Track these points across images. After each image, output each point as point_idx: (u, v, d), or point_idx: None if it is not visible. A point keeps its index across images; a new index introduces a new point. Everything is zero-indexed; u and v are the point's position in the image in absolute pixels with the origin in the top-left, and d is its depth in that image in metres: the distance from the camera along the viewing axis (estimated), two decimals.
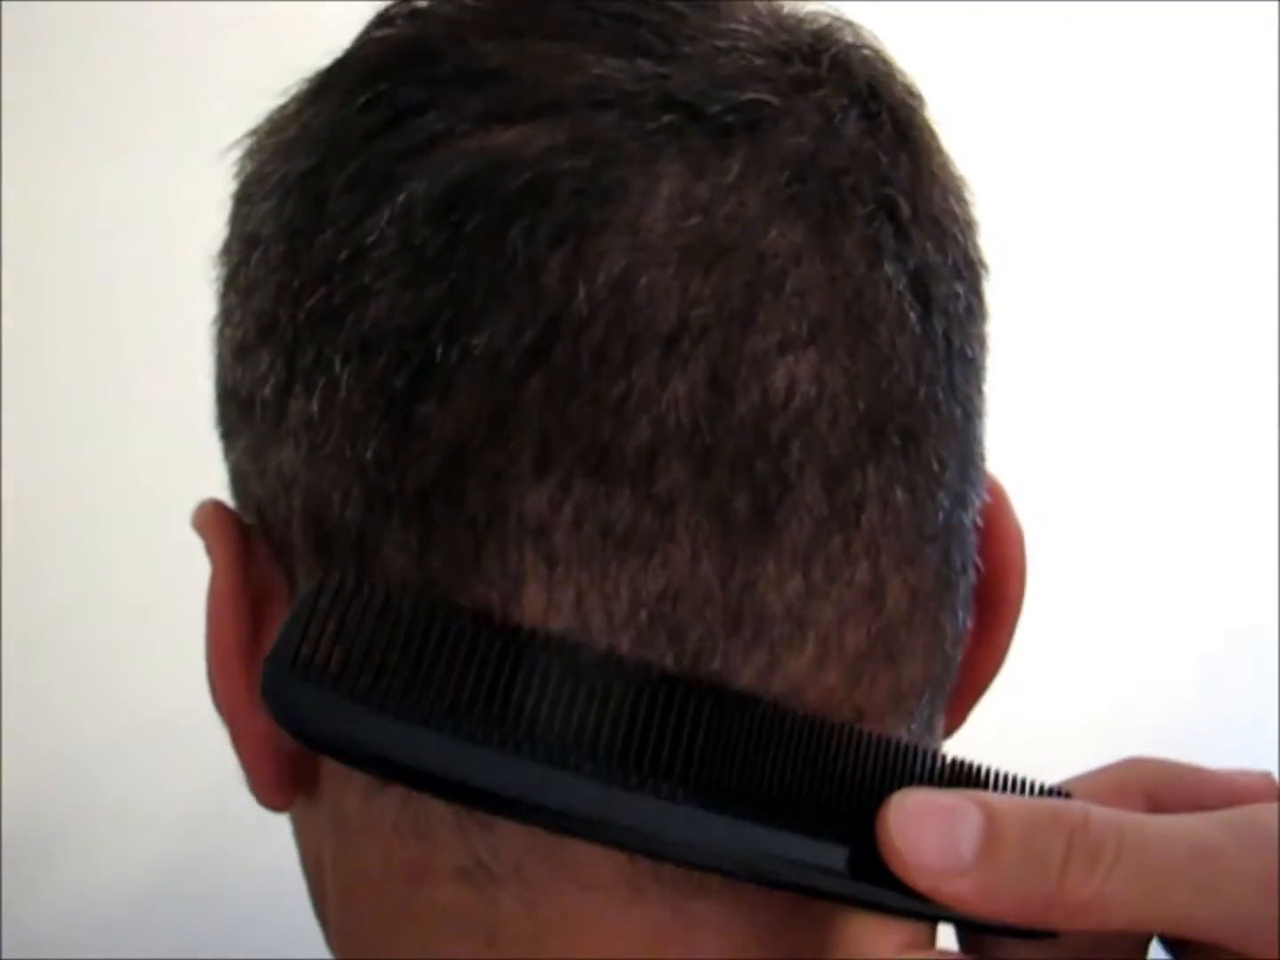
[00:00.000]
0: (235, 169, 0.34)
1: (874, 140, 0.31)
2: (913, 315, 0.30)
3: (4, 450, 0.74)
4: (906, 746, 0.29)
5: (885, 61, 0.33)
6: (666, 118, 0.29)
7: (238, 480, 0.34)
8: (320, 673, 0.27)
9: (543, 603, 0.28)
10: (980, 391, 0.33)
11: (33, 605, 0.75)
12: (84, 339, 0.76)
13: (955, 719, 0.35)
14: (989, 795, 0.27)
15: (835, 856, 0.27)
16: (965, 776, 0.29)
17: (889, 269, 0.30)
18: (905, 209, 0.30)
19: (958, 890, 0.26)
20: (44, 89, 0.73)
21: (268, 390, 0.31)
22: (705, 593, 0.28)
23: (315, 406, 0.29)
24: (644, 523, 0.28)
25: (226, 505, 0.34)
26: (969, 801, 0.26)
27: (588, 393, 0.28)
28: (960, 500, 0.31)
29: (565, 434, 0.28)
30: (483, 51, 0.30)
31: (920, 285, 0.30)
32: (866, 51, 0.32)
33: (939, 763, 0.29)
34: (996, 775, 0.29)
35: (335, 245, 0.29)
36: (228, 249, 0.34)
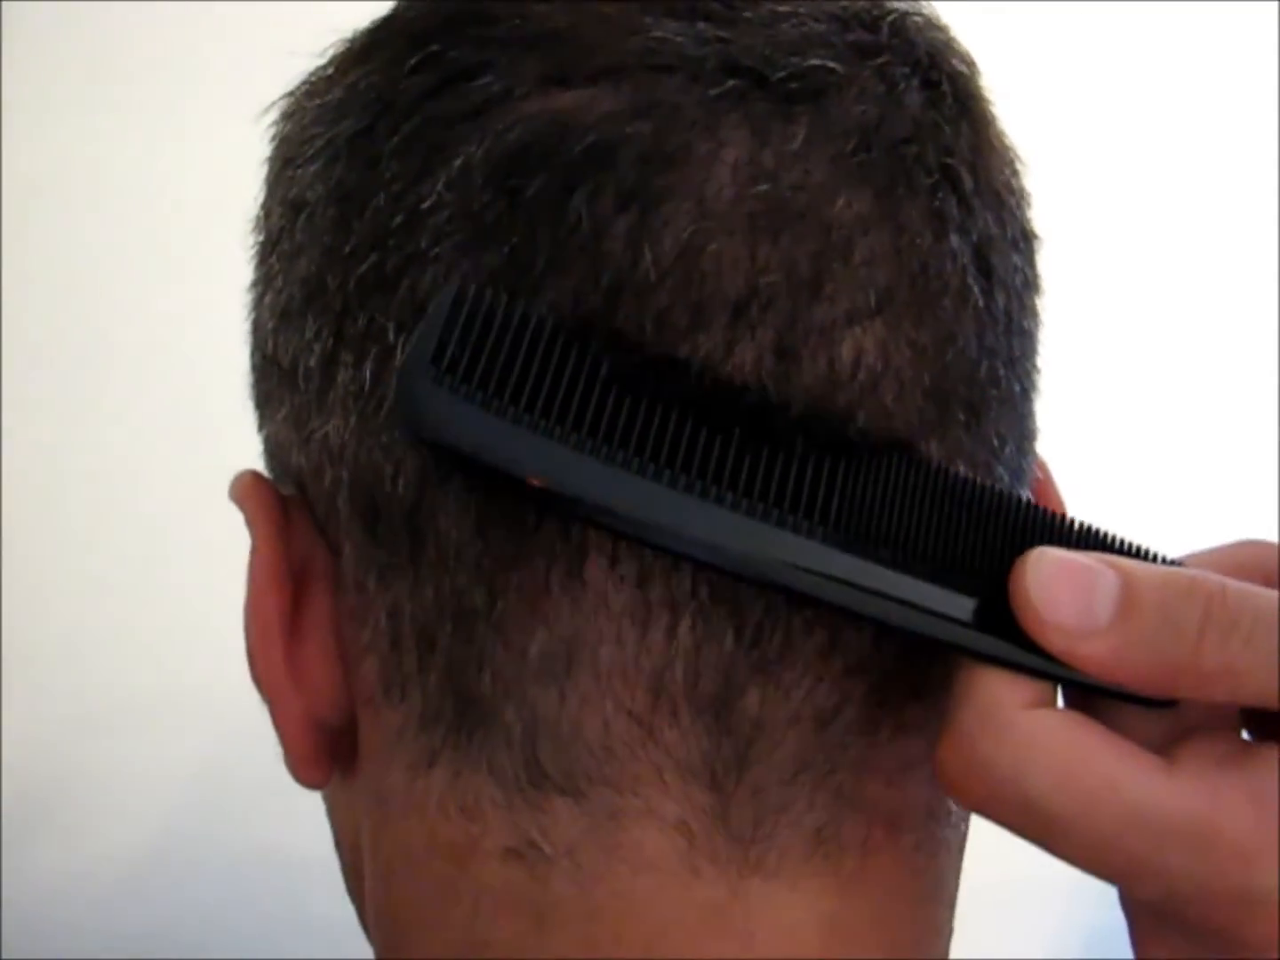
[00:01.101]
0: (271, 131, 0.34)
1: (936, 110, 0.30)
2: (976, 288, 0.29)
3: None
4: (1036, 506, 0.28)
5: (941, 28, 0.32)
6: (729, 83, 0.28)
7: (277, 450, 0.33)
8: (460, 380, 0.25)
9: (604, 575, 0.28)
10: (1036, 366, 0.32)
11: (28, 587, 0.73)
12: (78, 311, 0.75)
13: None
14: (1124, 560, 0.26)
15: (963, 608, 0.26)
16: (1094, 540, 0.28)
17: (953, 241, 0.29)
18: (968, 180, 0.30)
19: (1092, 651, 0.25)
20: (46, 46, 0.72)
21: (313, 359, 0.30)
22: None
23: (367, 375, 0.29)
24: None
25: (263, 476, 0.33)
26: (1105, 564, 0.26)
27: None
28: (1018, 477, 0.31)
29: None
30: (538, 13, 0.29)
31: (982, 258, 0.30)
32: (922, 18, 0.32)
33: (1069, 524, 0.28)
34: (1123, 542, 0.28)
35: (389, 210, 0.29)
36: (268, 213, 0.33)
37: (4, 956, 0.73)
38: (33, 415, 0.73)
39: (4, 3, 0.71)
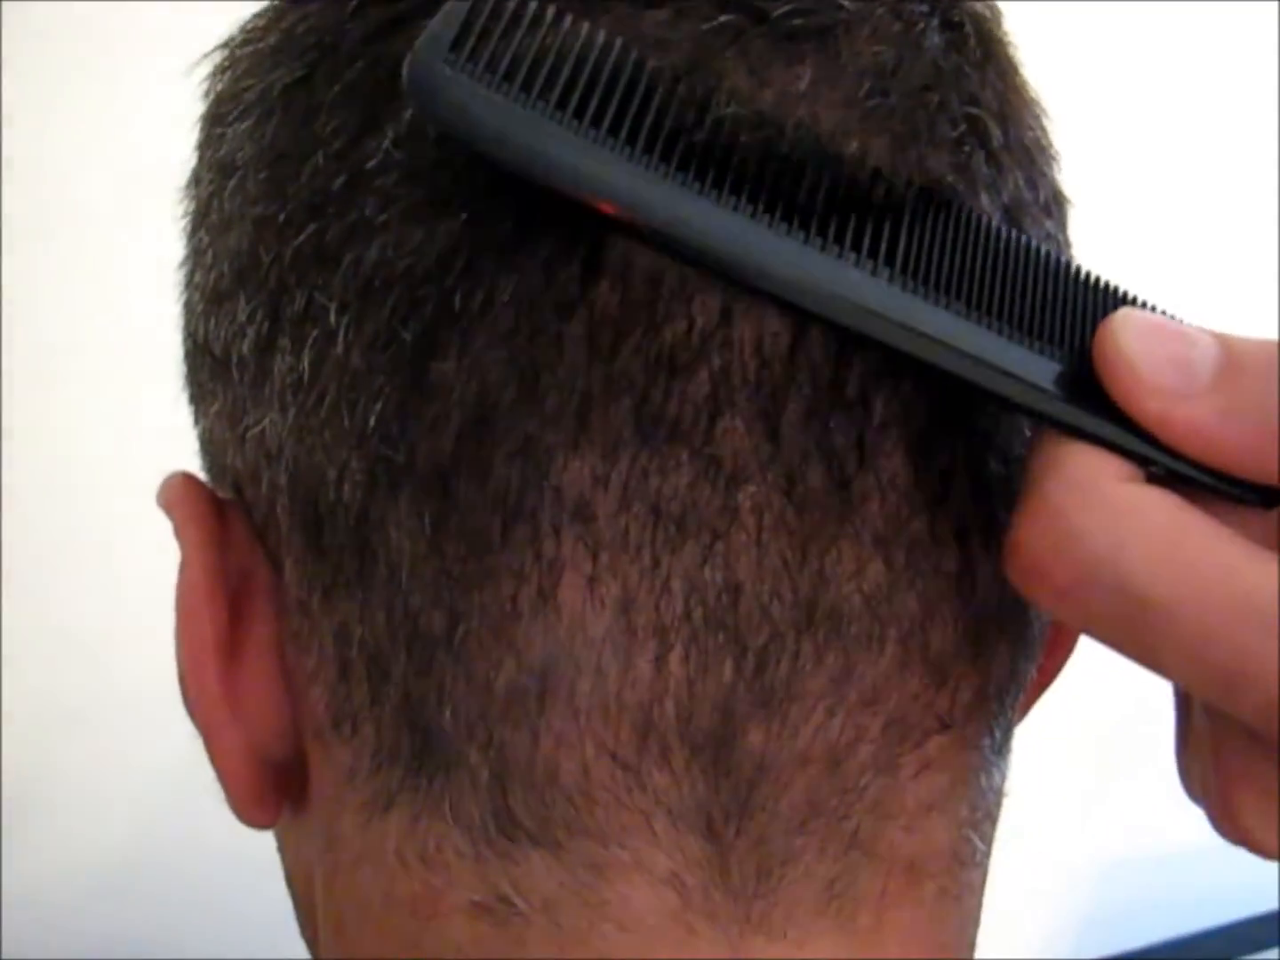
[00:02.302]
0: (204, 87, 0.30)
1: (959, 54, 0.26)
2: None
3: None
4: (1114, 285, 0.24)
5: None
6: (723, 18, 0.24)
7: (211, 449, 0.29)
8: (485, 67, 0.22)
9: (581, 598, 0.24)
10: None
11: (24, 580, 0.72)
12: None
13: (1019, 714, 0.32)
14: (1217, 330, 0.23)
15: (1048, 374, 0.23)
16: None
17: (980, 200, 0.25)
18: (996, 133, 0.26)
19: (1193, 414, 0.22)
20: None
21: (246, 345, 0.26)
22: (773, 586, 0.24)
23: (305, 364, 0.25)
24: (703, 500, 0.23)
25: (198, 479, 0.29)
26: (1200, 330, 0.22)
27: (637, 336, 0.23)
28: None
29: (611, 389, 0.23)
30: None
31: (1013, 222, 0.26)
32: None
33: (1147, 303, 0.24)
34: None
35: (328, 171, 0.25)
36: (196, 178, 0.29)
37: (4, 956, 0.72)
38: (32, 415, 0.72)
39: (4, 2, 0.68)
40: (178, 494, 0.28)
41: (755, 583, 0.24)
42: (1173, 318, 0.24)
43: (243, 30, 0.29)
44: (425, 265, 0.24)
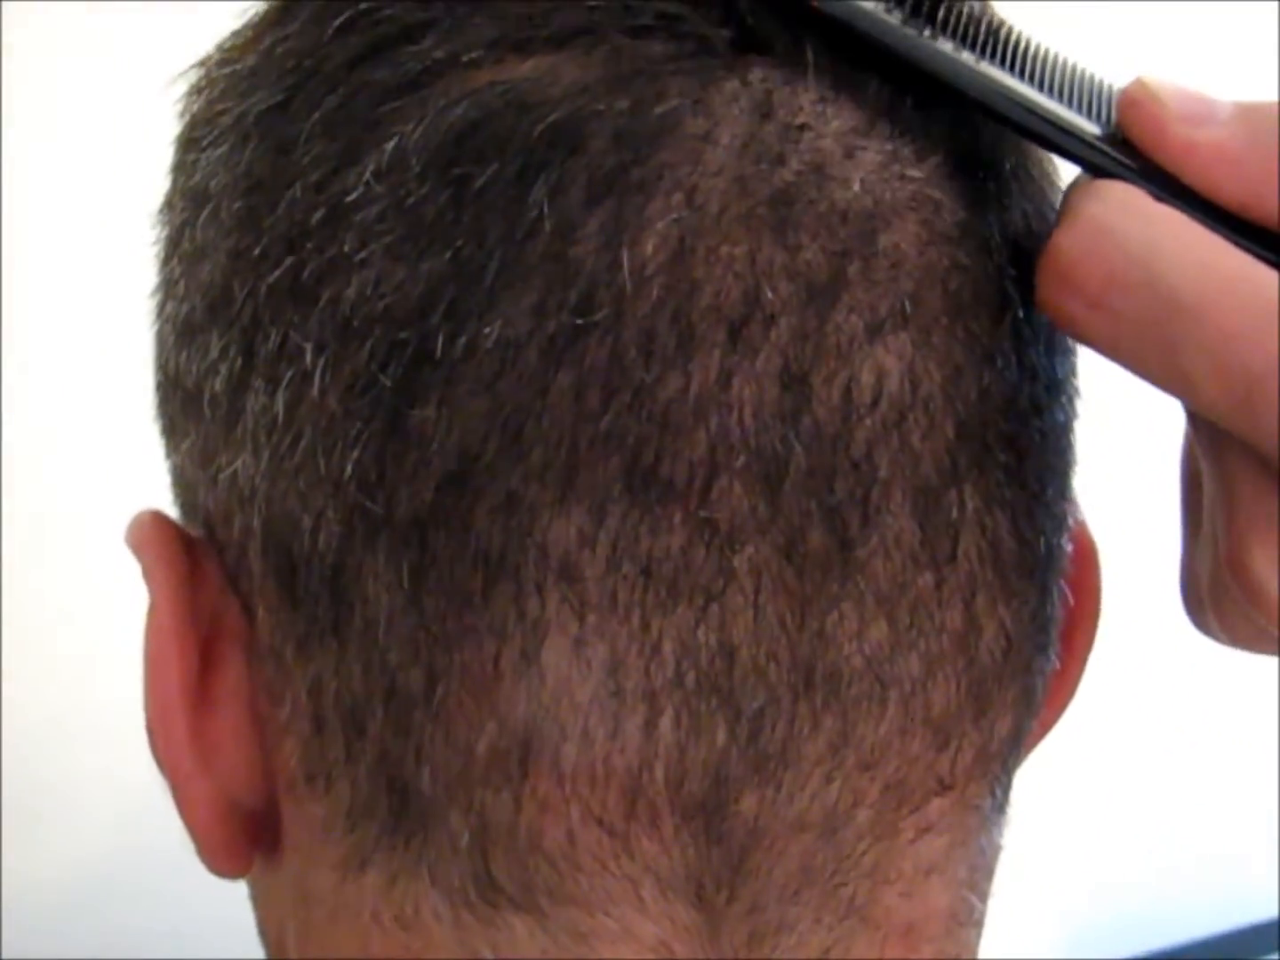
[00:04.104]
0: (179, 108, 0.28)
1: None
2: (1016, 294, 0.24)
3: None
4: None
5: None
6: (721, 44, 0.23)
7: (182, 486, 0.28)
8: None
9: (567, 661, 0.23)
10: (1076, 389, 0.27)
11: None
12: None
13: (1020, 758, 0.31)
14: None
15: (1094, 131, 0.24)
16: None
17: (989, 230, 0.24)
18: (1008, 159, 0.25)
19: (1215, 136, 0.23)
20: None
21: (219, 383, 0.25)
22: (769, 648, 0.23)
23: (280, 406, 0.24)
24: (697, 562, 0.22)
25: (167, 517, 0.28)
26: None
27: (629, 394, 0.22)
28: (1059, 524, 0.26)
29: (600, 446, 0.22)
30: None
31: (1023, 255, 0.25)
32: None
33: None
34: None
35: (306, 203, 0.24)
36: (169, 204, 0.28)
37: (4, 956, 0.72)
38: (30, 417, 0.71)
39: (4, 2, 0.67)
40: (147, 534, 0.27)
41: (751, 645, 0.23)
42: None
43: (220, 49, 0.28)
44: (406, 306, 0.23)
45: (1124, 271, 0.22)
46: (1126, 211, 0.23)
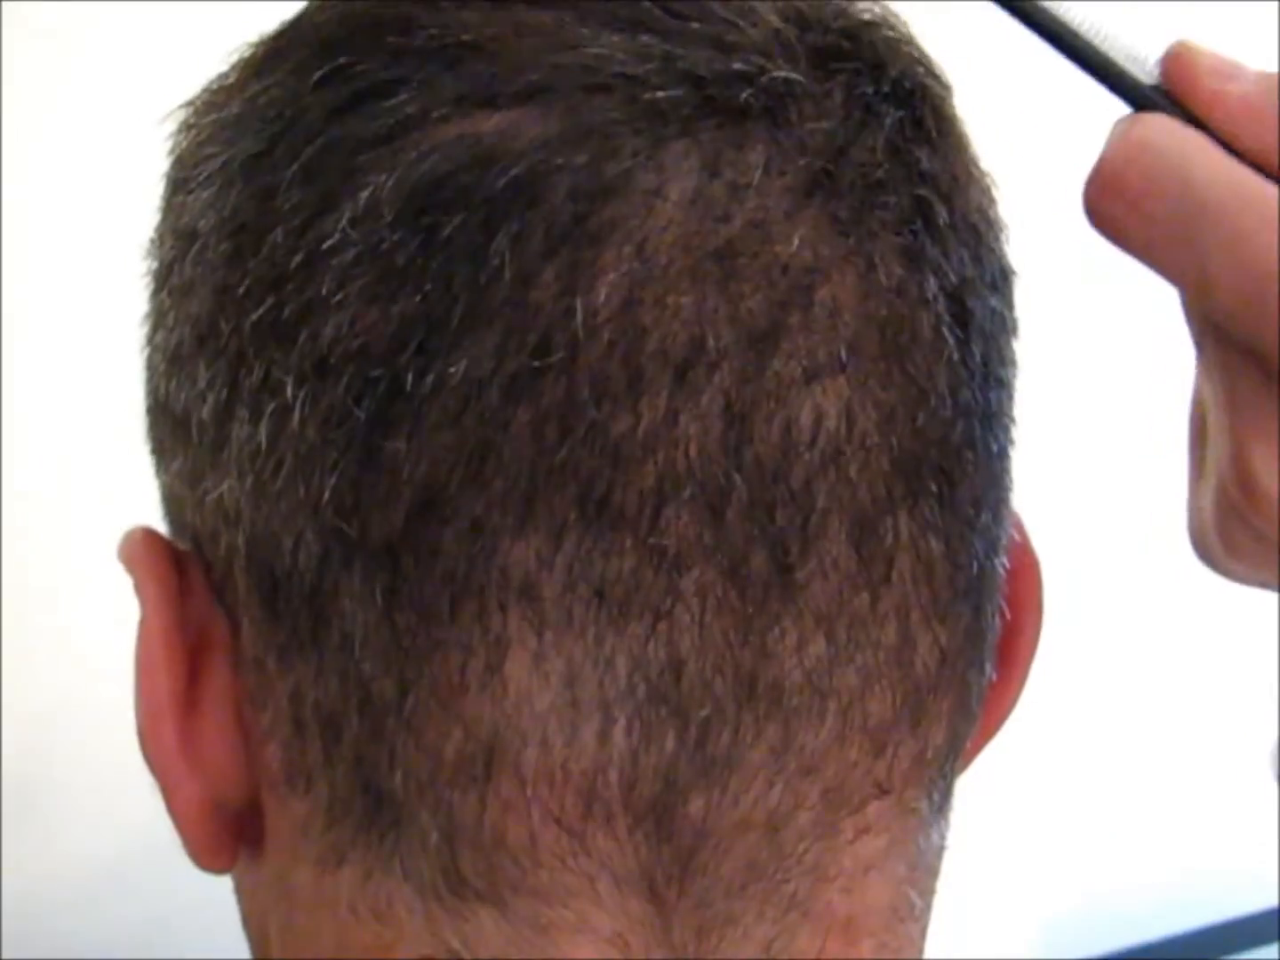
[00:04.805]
0: (169, 146, 0.30)
1: (909, 131, 0.27)
2: (951, 339, 0.26)
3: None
4: None
5: (912, 41, 0.29)
6: (673, 105, 0.25)
7: (171, 504, 0.30)
8: None
9: (527, 673, 0.24)
10: (1012, 418, 0.29)
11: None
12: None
13: (962, 765, 0.32)
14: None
15: (1142, 78, 0.28)
16: None
17: (926, 283, 0.26)
18: (942, 212, 0.27)
19: (1242, 89, 0.27)
20: None
21: (206, 410, 0.27)
22: (715, 662, 0.24)
23: (263, 434, 0.25)
24: (647, 583, 0.24)
25: (158, 533, 0.30)
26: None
27: (583, 429, 0.24)
28: (993, 546, 0.28)
29: (557, 477, 0.24)
30: (461, 21, 0.26)
31: (958, 302, 0.27)
32: (893, 30, 0.28)
33: None
34: None
35: (287, 247, 0.25)
36: (160, 239, 0.29)
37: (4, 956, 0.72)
38: (32, 419, 0.72)
39: (4, 2, 0.68)
40: (138, 550, 0.29)
41: (698, 659, 0.24)
42: None
43: (207, 91, 0.30)
44: (379, 344, 0.24)
45: (1160, 177, 0.26)
46: (1164, 130, 0.27)
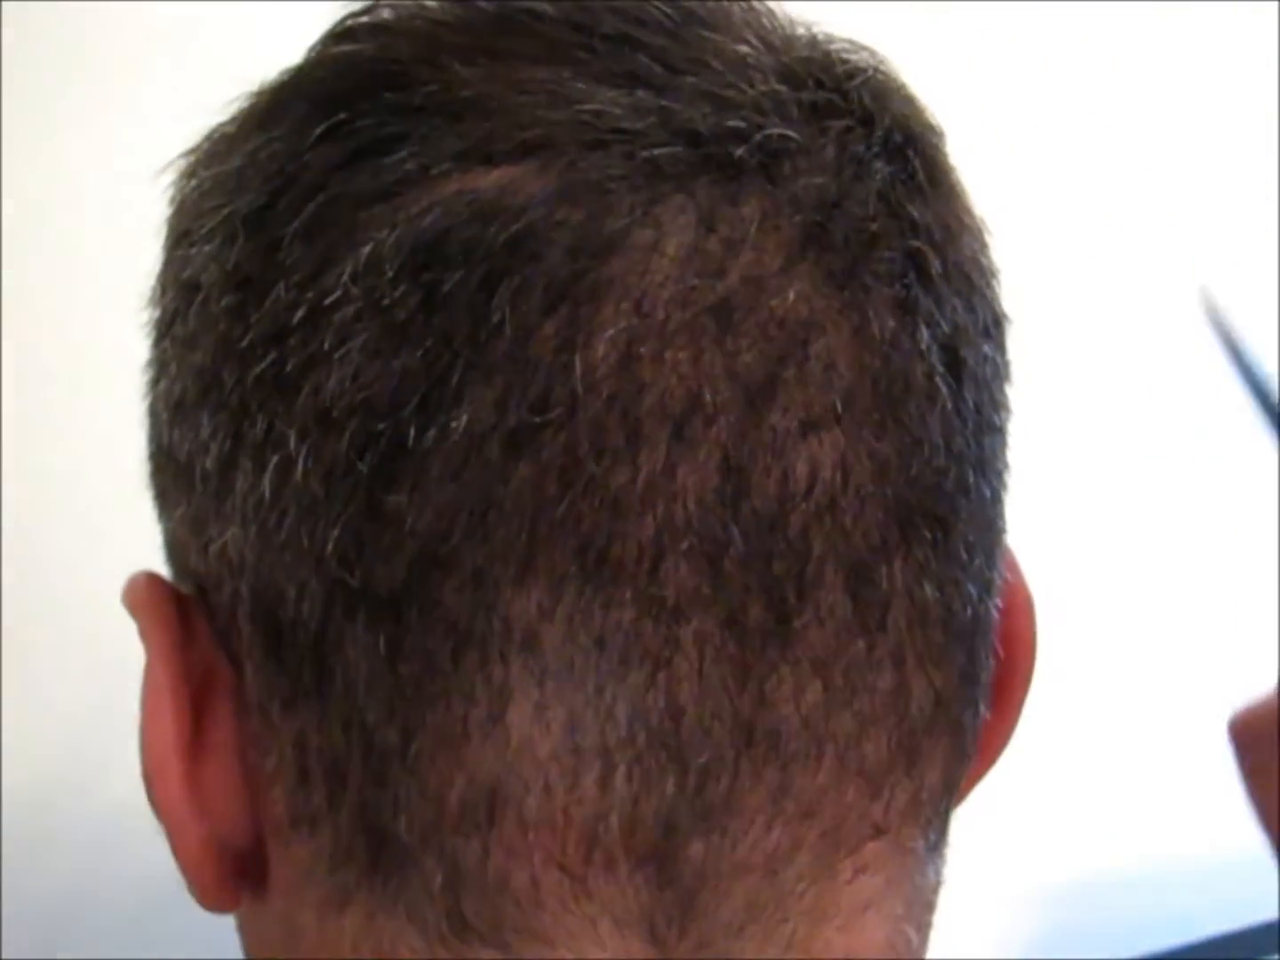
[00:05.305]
0: (170, 193, 0.30)
1: (902, 184, 0.27)
2: (944, 388, 0.27)
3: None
4: None
5: (905, 89, 0.29)
6: (669, 160, 0.25)
7: (174, 549, 0.30)
8: None
9: (529, 722, 0.25)
10: (1005, 463, 0.30)
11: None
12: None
13: (957, 801, 0.33)
14: None
15: None
16: None
17: (919, 334, 0.26)
18: (935, 263, 0.27)
19: None
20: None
21: (209, 460, 0.27)
22: (713, 709, 0.25)
23: (266, 486, 0.26)
24: (647, 633, 0.24)
25: (162, 579, 0.30)
26: None
27: (583, 483, 0.24)
28: (986, 588, 0.29)
29: (557, 530, 0.24)
30: (460, 78, 0.26)
31: (951, 352, 0.27)
32: (885, 77, 0.29)
33: None
34: None
35: (290, 302, 0.26)
36: (162, 289, 0.30)
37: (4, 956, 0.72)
38: (34, 425, 0.71)
39: (4, 2, 0.68)
40: (142, 597, 0.29)
41: (697, 707, 0.25)
42: None
43: (209, 140, 0.30)
44: (381, 399, 0.25)
45: None
46: None
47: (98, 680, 0.73)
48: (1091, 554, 0.93)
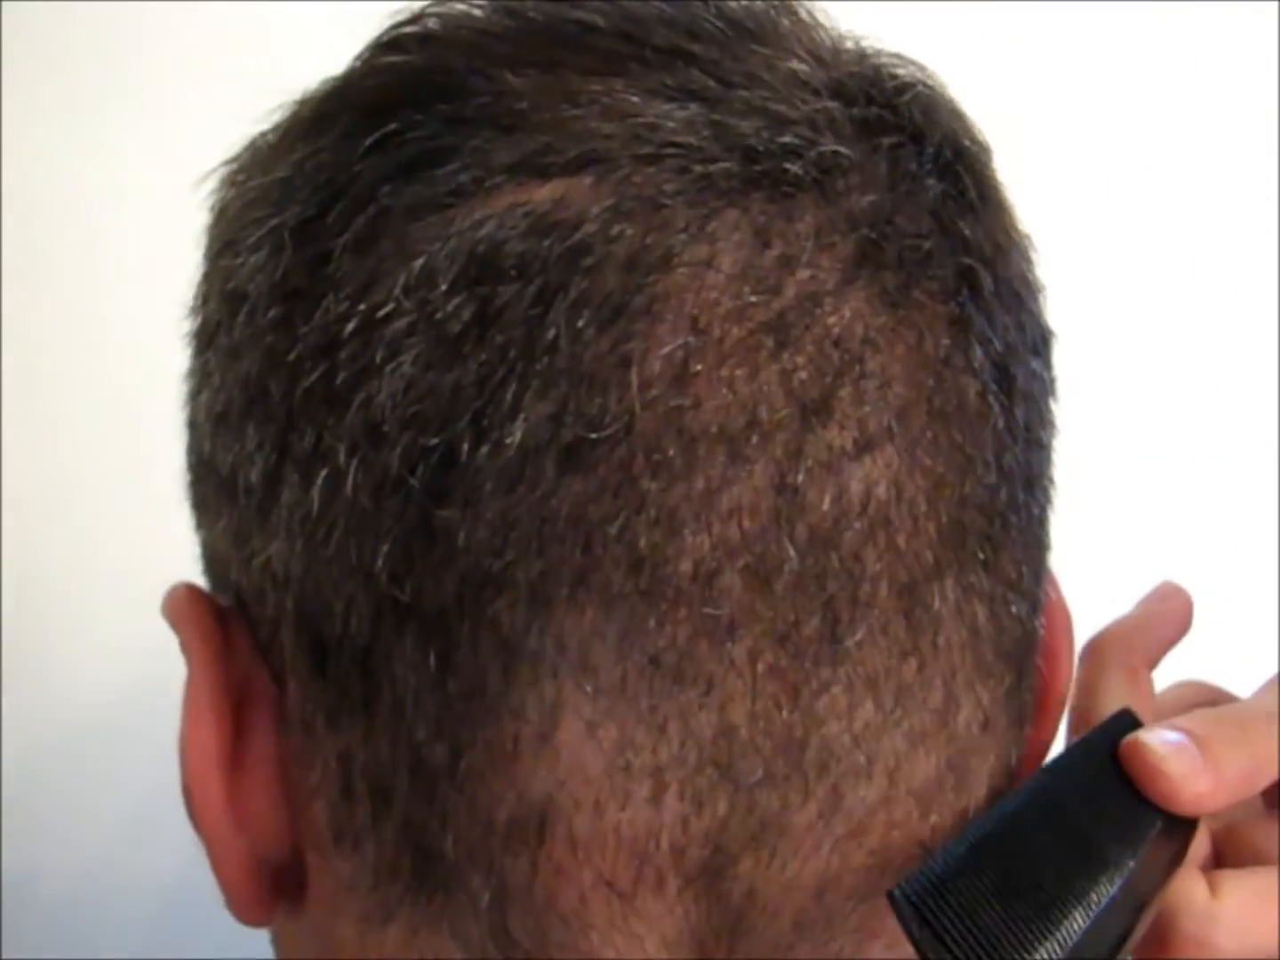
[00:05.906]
0: (211, 203, 0.30)
1: (952, 200, 0.27)
2: (996, 406, 0.27)
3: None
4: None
5: (952, 104, 0.29)
6: (723, 175, 0.25)
7: (214, 562, 0.30)
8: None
9: (580, 740, 0.25)
10: (1052, 480, 0.30)
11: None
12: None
13: None
14: (1174, 721, 0.29)
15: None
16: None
17: (972, 352, 0.26)
18: (987, 280, 0.27)
19: (1206, 786, 0.28)
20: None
21: (254, 473, 0.27)
22: (765, 727, 0.25)
23: (314, 500, 0.26)
24: (700, 651, 0.24)
25: (201, 590, 0.30)
26: (1171, 729, 0.29)
27: (637, 500, 0.24)
28: (1034, 607, 0.28)
29: (611, 547, 0.24)
30: (513, 89, 0.26)
31: (1002, 369, 0.27)
32: (933, 92, 0.29)
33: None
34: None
35: (340, 314, 0.25)
36: (204, 299, 0.29)
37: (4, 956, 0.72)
38: (34, 425, 0.70)
39: (4, 2, 0.68)
40: (182, 609, 0.29)
41: (748, 725, 0.25)
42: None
43: (251, 149, 0.30)
44: (433, 413, 0.24)
45: None
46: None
47: (98, 680, 0.74)
48: (1099, 557, 0.93)
